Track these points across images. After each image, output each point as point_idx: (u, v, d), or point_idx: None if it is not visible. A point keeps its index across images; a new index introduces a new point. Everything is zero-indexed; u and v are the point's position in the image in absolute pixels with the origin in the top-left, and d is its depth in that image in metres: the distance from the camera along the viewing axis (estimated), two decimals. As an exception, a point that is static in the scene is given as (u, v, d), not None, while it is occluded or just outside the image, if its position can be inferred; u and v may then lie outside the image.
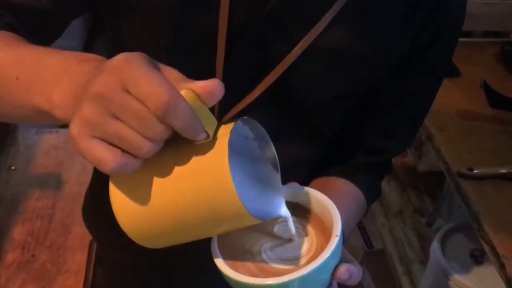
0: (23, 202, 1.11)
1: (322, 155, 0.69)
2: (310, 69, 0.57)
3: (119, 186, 0.41)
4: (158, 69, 0.38)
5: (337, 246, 0.44)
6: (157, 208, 0.40)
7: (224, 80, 0.56)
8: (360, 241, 1.79)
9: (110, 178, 0.42)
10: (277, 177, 0.48)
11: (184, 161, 0.39)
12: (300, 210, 0.50)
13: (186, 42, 0.56)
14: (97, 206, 0.78)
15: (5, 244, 1.02)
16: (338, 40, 0.55)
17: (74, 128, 0.37)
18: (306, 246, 0.46)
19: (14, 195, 1.12)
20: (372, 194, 0.71)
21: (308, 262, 0.44)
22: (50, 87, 0.43)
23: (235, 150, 0.39)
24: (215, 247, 0.45)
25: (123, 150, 0.37)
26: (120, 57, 0.37)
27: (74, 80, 0.41)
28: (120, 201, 0.41)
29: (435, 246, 1.33)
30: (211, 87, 0.38)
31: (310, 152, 0.66)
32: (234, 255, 0.45)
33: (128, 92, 0.36)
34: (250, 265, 0.44)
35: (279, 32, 0.55)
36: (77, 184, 1.16)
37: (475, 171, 1.08)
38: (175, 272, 0.77)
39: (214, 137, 0.39)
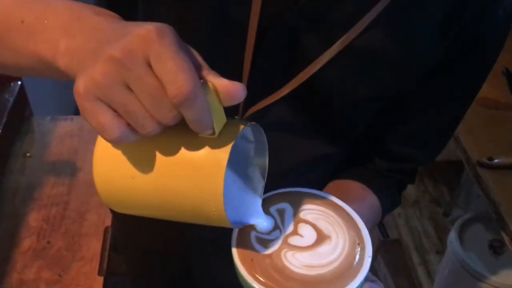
0: (38, 189, 1.11)
1: (346, 156, 0.67)
2: (342, 70, 0.55)
3: (107, 145, 0.40)
4: (188, 51, 0.36)
5: (370, 267, 0.42)
6: (137, 182, 0.39)
7: (252, 72, 0.56)
8: (376, 230, 1.78)
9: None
10: (261, 185, 0.47)
11: (181, 148, 0.38)
12: (328, 211, 0.48)
13: (217, 30, 0.55)
14: None
15: (21, 231, 1.02)
16: (375, 42, 0.53)
17: (81, 84, 0.35)
18: (331, 251, 0.44)
19: (30, 182, 1.13)
20: (389, 203, 0.69)
21: (335, 272, 0.42)
22: (58, 34, 0.40)
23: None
24: (234, 249, 0.44)
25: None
26: (151, 27, 0.35)
27: (89, 32, 0.38)
28: (103, 158, 0.41)
29: (452, 236, 1.31)
30: (234, 90, 0.36)
31: (333, 151, 0.64)
32: (252, 258, 0.43)
33: (150, 66, 0.34)
34: (271, 270, 0.42)
35: (312, 29, 0.53)
36: (91, 172, 1.15)
37: (496, 160, 1.06)
38: (194, 258, 0.77)
39: (219, 136, 0.38)
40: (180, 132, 0.38)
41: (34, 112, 1.32)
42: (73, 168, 1.16)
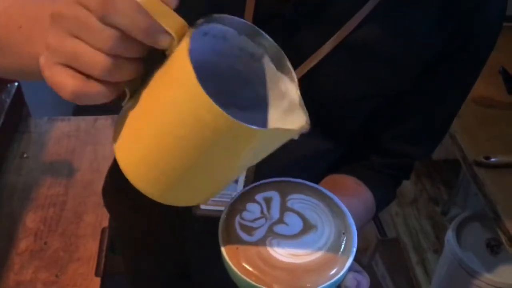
0: (35, 189, 1.11)
1: (342, 153, 0.67)
2: (337, 66, 0.55)
3: (120, 124, 0.40)
4: None
5: (354, 257, 0.42)
6: (146, 139, 0.38)
7: None
8: (374, 229, 1.78)
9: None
10: (281, 79, 0.43)
11: (158, 78, 0.37)
12: (316, 201, 0.48)
13: None
14: (118, 187, 0.78)
15: (18, 232, 1.02)
16: (370, 38, 0.53)
17: (41, 57, 0.36)
18: (317, 240, 0.44)
19: (27, 183, 1.12)
20: (383, 199, 0.69)
21: (320, 261, 0.42)
22: None
23: (215, 57, 0.35)
24: (220, 237, 0.44)
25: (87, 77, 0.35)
26: None
27: None
28: (119, 137, 0.40)
29: (450, 235, 1.31)
30: None
31: (329, 148, 0.64)
32: (238, 246, 0.43)
33: (81, 5, 0.34)
34: (256, 259, 0.42)
35: (307, 25, 0.53)
36: (89, 172, 1.16)
37: (492, 159, 1.06)
38: (191, 254, 0.77)
39: (181, 41, 0.35)
40: (158, 73, 0.37)
41: (31, 112, 1.32)
42: (70, 169, 1.16)
